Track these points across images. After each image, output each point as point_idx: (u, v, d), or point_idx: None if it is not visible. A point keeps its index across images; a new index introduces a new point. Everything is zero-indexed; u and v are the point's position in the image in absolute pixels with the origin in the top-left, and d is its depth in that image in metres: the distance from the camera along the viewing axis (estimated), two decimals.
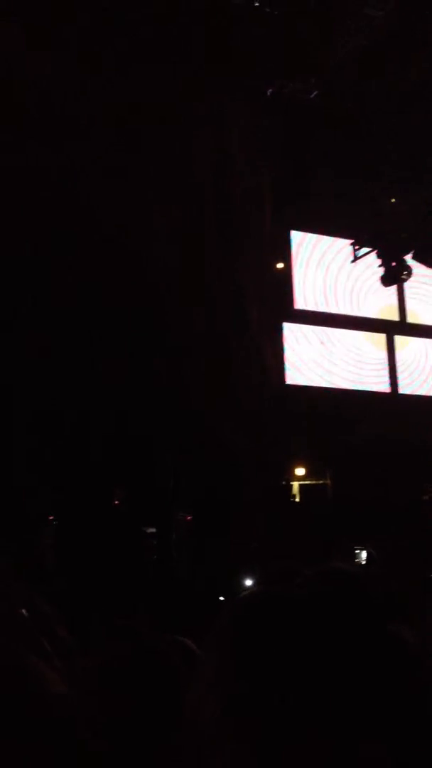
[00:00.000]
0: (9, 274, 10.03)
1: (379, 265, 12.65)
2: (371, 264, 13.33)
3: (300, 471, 13.28)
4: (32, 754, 0.78)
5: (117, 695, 1.29)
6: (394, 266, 12.42)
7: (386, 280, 12.68)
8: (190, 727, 0.80)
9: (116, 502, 11.07)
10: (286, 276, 14.19)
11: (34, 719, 0.80)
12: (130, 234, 10.74)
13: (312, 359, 13.99)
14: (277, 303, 13.75)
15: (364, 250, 13.55)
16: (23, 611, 1.56)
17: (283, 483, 13.04)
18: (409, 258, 12.45)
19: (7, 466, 9.77)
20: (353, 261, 14.05)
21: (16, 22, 9.13)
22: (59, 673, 0.92)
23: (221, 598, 9.13)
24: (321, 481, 13.24)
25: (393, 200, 12.16)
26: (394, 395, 14.88)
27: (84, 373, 10.43)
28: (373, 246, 12.92)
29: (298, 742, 0.70)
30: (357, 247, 13.84)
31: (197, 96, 10.60)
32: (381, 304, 15.10)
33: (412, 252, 12.45)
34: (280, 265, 14.12)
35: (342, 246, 14.38)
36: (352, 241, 13.90)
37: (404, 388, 15.05)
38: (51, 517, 9.65)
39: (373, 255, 12.90)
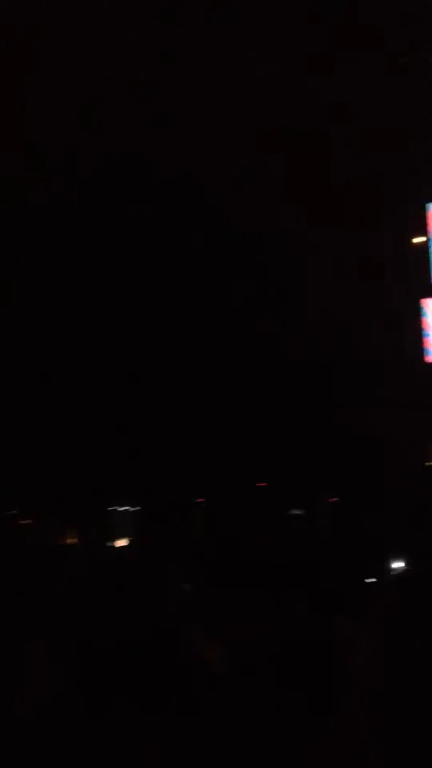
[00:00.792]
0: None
1: None
2: None
3: None
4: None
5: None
6: None
7: None
8: (349, 694, 0.87)
9: (261, 484, 11.21)
10: (425, 251, 13.76)
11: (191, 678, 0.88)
12: (261, 216, 10.81)
13: None
14: (417, 279, 13.36)
15: None
16: (183, 586, 1.69)
17: (429, 464, 12.73)
18: None
19: (160, 454, 10.15)
20: None
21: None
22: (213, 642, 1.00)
23: (371, 580, 9.07)
24: None
25: None
26: None
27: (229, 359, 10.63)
28: None
29: None
30: None
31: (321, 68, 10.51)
32: None
33: None
34: (418, 240, 13.71)
35: None
36: None
37: None
38: (200, 500, 9.93)
39: None
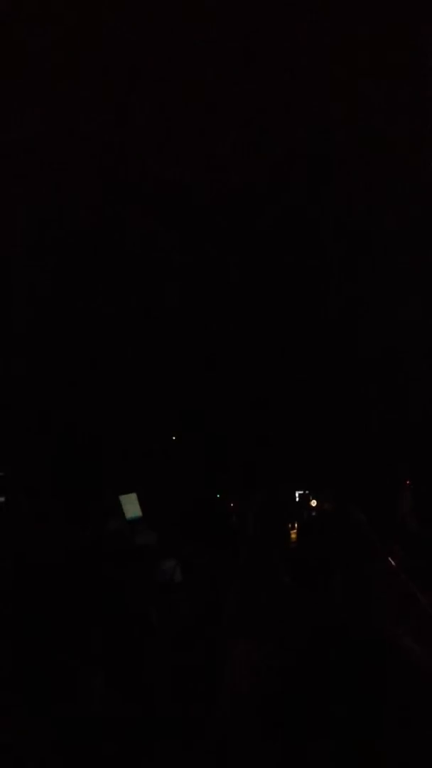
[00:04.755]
0: None
1: None
2: None
3: None
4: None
5: None
6: None
7: None
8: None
9: None
10: None
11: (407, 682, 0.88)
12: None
13: None
14: None
15: None
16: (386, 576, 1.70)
17: None
18: None
19: (366, 433, 10.12)
20: None
21: None
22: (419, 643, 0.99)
23: None
24: None
25: None
26: None
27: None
28: None
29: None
30: None
31: None
32: None
33: None
34: None
35: None
36: None
37: None
38: (408, 482, 9.74)
39: None
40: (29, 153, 10.92)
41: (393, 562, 1.74)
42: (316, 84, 10.84)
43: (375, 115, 10.89)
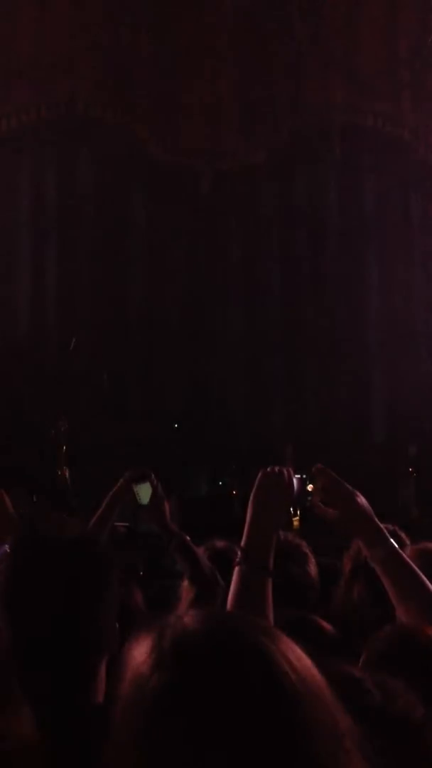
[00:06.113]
0: None
1: None
2: None
3: None
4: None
5: None
6: None
7: None
8: None
9: None
10: None
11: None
12: None
13: None
14: None
15: None
16: None
17: None
18: None
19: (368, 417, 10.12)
20: None
21: None
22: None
23: None
24: None
25: None
26: None
27: None
28: None
29: None
30: None
31: None
32: None
33: None
34: None
35: None
36: None
37: None
38: (411, 469, 9.71)
39: None
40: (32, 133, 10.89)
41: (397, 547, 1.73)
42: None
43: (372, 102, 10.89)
